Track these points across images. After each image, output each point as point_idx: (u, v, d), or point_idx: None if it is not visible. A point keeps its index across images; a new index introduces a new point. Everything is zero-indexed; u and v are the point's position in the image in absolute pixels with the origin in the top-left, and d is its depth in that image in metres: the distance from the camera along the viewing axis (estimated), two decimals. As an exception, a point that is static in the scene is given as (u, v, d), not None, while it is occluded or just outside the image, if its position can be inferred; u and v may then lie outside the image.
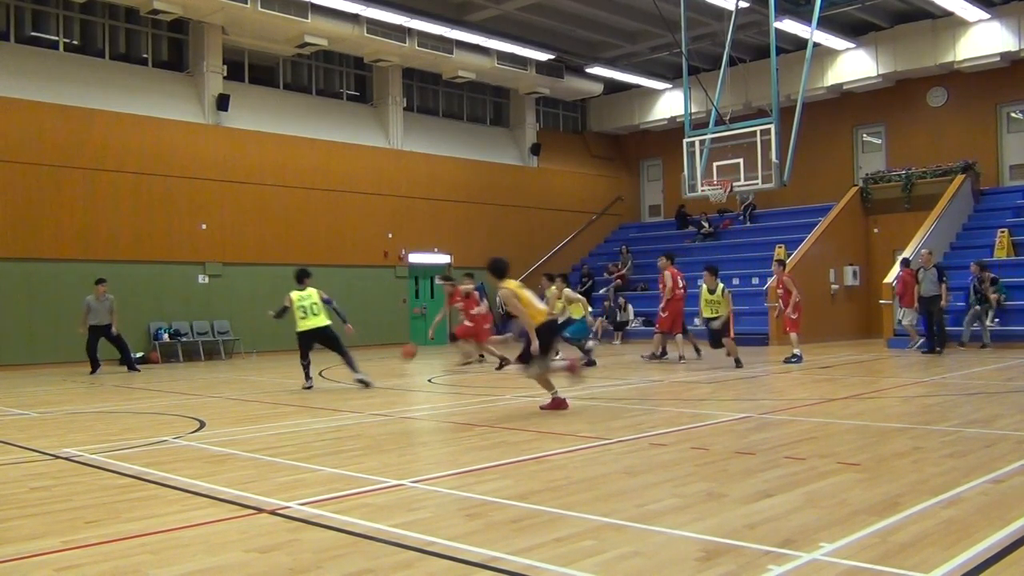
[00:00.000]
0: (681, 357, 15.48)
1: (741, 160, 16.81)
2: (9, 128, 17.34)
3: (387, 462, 6.20)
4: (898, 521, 4.20)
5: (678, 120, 25.35)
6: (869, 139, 25.38)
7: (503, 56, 23.75)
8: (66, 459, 6.56)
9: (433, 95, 25.89)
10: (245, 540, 4.17)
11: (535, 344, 8.54)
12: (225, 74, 20.61)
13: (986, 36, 21.44)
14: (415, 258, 23.91)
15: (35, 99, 17.76)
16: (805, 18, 19.37)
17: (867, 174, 23.65)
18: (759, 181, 16.63)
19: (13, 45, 18.26)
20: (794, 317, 14.91)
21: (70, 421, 9.04)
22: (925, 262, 16.03)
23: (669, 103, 27.28)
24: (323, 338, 12.37)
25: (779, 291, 15.10)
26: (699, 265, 24.61)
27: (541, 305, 9.11)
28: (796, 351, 14.58)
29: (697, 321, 16.76)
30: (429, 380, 13.19)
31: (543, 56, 24.18)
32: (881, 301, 18.86)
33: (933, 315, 15.88)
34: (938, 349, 15.65)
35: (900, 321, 18.09)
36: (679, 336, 15.72)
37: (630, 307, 23.23)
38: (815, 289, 19.47)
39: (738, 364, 13.73)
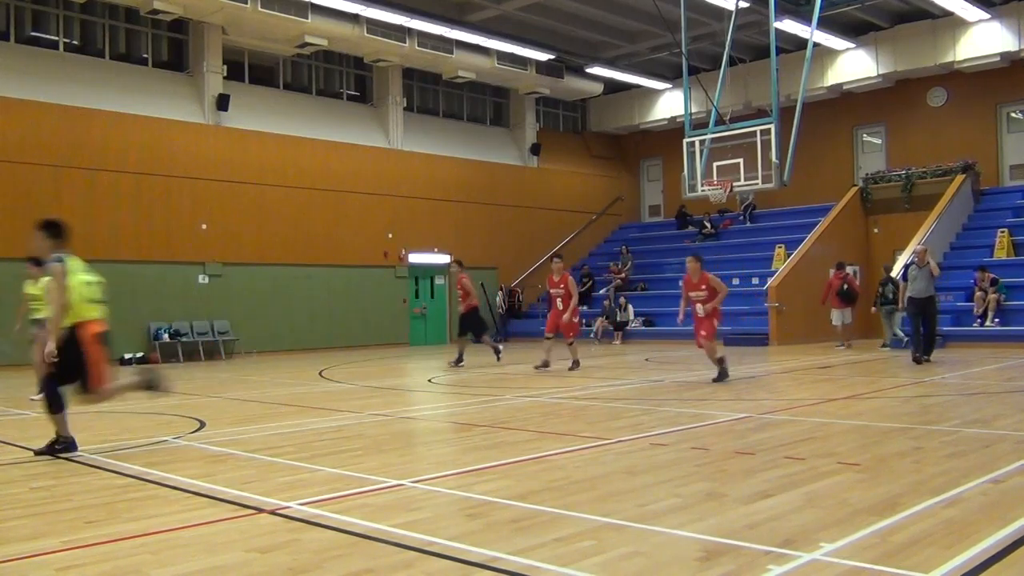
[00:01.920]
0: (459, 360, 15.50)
1: (741, 160, 16.81)
2: (9, 128, 17.34)
3: (387, 462, 6.20)
4: (898, 521, 4.20)
5: (678, 120, 25.35)
6: (869, 139, 25.38)
7: (503, 56, 23.75)
8: (66, 459, 6.56)
9: (433, 95, 25.89)
10: (245, 540, 4.17)
11: None
12: (225, 74, 20.60)
13: (986, 36, 21.44)
14: (415, 258, 23.92)
15: (35, 99, 17.75)
16: (805, 18, 19.37)
17: (867, 174, 23.65)
18: (759, 181, 16.63)
19: (13, 45, 18.26)
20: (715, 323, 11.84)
21: (70, 421, 9.02)
22: (919, 260, 14.18)
23: (669, 103, 27.29)
24: None
25: (702, 290, 11.53)
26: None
27: None
28: (720, 356, 11.67)
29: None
30: (429, 380, 13.19)
31: (543, 56, 24.18)
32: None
33: (926, 318, 13.99)
34: (926, 358, 13.82)
35: (832, 321, 18.96)
36: (484, 337, 15.96)
37: (630, 307, 23.24)
38: (815, 289, 19.48)
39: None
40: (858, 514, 4.35)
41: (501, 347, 16.39)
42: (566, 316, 13.87)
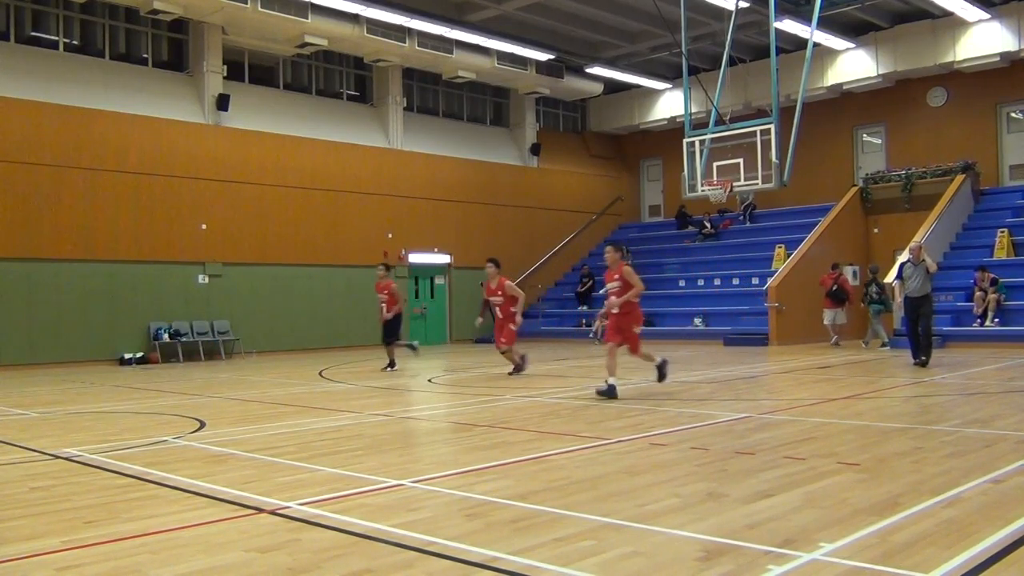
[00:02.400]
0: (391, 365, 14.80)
1: (741, 160, 16.82)
2: (9, 128, 17.34)
3: (387, 462, 6.20)
4: (898, 521, 4.20)
5: (678, 120, 25.36)
6: (869, 139, 25.38)
7: (503, 56, 23.75)
8: (66, 459, 6.56)
9: (433, 95, 25.90)
10: (245, 540, 4.17)
11: None
12: (225, 74, 20.60)
13: (986, 36, 21.44)
14: (415, 258, 23.93)
15: (35, 99, 17.75)
16: (805, 18, 19.37)
17: (867, 174, 23.66)
18: (759, 181, 16.64)
19: (13, 45, 18.26)
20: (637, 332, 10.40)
21: (70, 421, 9.04)
22: (915, 256, 13.17)
23: (669, 103, 27.29)
24: None
25: (615, 281, 10.05)
26: (700, 265, 24.82)
27: None
28: (612, 380, 9.83)
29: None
30: (429, 380, 13.18)
31: (543, 56, 24.18)
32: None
33: (921, 318, 13.13)
34: (923, 359, 13.09)
35: (823, 320, 19.23)
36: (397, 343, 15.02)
37: (630, 307, 23.20)
38: (815, 289, 19.51)
39: None
40: (858, 514, 4.35)
41: (416, 344, 15.82)
42: (518, 319, 12.84)
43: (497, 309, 13.05)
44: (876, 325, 18.25)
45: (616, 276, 10.06)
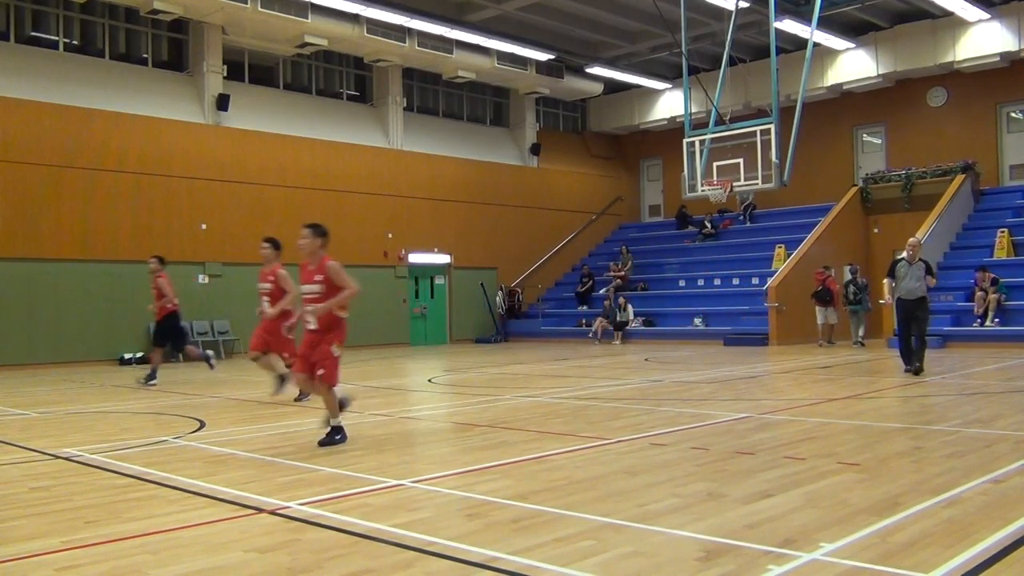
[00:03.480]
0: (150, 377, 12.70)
1: (741, 160, 16.84)
2: (9, 128, 17.33)
3: (387, 462, 6.20)
4: (898, 521, 4.20)
5: (678, 120, 25.36)
6: (869, 139, 25.38)
7: (503, 56, 23.75)
8: (66, 459, 6.56)
9: (433, 95, 25.89)
10: (245, 540, 4.17)
11: None
12: (225, 74, 20.60)
13: (986, 36, 21.45)
14: (415, 258, 23.92)
15: (35, 99, 17.74)
16: (805, 18, 19.38)
17: (867, 174, 23.67)
18: (759, 181, 16.66)
19: (13, 45, 18.25)
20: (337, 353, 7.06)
21: (70, 421, 9.04)
22: (912, 254, 11.93)
23: (669, 103, 27.29)
24: None
25: (316, 283, 7.09)
26: (700, 265, 24.82)
27: None
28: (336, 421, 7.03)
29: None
30: (429, 380, 13.18)
31: (543, 56, 24.18)
32: (881, 301, 18.88)
33: (915, 323, 11.93)
34: (917, 364, 11.77)
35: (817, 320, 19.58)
36: (188, 348, 13.61)
37: (630, 307, 23.25)
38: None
39: None
40: (858, 514, 4.35)
41: (211, 354, 13.98)
42: (290, 320, 9.86)
43: (265, 301, 10.04)
44: (856, 324, 18.90)
45: (318, 276, 7.02)
